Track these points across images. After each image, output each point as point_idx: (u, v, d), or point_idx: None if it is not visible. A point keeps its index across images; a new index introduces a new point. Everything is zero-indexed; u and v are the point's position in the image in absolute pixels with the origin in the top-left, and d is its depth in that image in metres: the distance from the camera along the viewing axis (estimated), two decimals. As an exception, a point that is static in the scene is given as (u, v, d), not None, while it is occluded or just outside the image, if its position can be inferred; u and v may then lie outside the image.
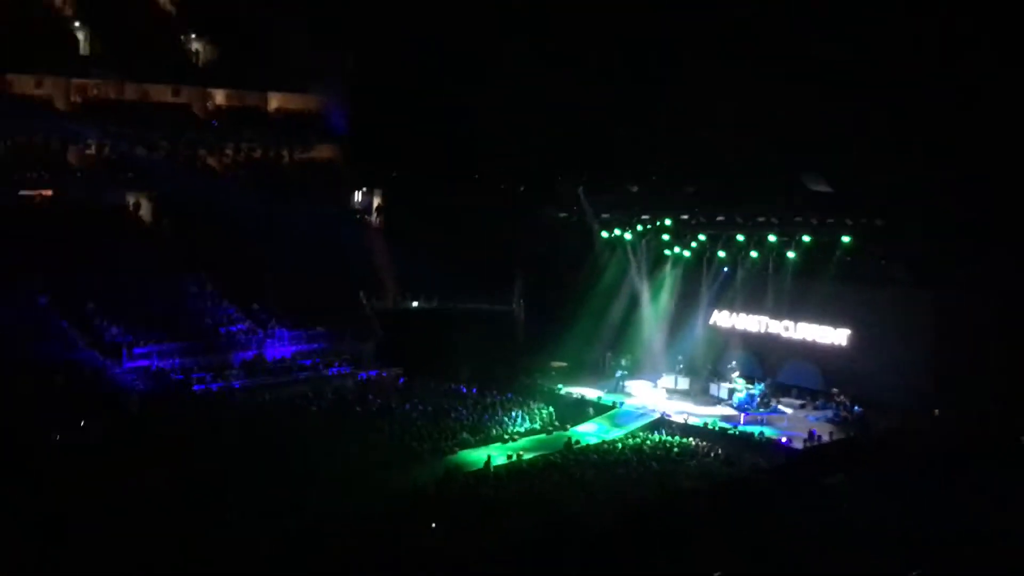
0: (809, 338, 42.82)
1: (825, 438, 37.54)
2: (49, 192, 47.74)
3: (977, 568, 25.43)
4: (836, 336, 41.85)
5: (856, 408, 39.83)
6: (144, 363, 40.51)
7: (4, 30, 46.01)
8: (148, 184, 50.19)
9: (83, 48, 50.18)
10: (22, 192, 46.95)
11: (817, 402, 42.07)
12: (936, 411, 38.17)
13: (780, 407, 41.70)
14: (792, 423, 39.75)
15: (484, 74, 51.86)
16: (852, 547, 26.56)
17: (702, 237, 45.25)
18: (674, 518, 29.03)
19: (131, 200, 50.23)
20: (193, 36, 54.19)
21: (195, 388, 39.97)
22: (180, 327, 43.14)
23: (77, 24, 50.24)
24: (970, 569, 25.36)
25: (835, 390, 41.30)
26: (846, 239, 40.75)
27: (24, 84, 48.11)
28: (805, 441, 36.99)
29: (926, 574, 24.45)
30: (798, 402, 42.40)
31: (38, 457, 31.64)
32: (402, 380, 44.37)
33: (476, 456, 34.99)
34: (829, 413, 40.56)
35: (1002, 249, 36.85)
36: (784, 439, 37.38)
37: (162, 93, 52.92)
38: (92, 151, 49.36)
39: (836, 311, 41.68)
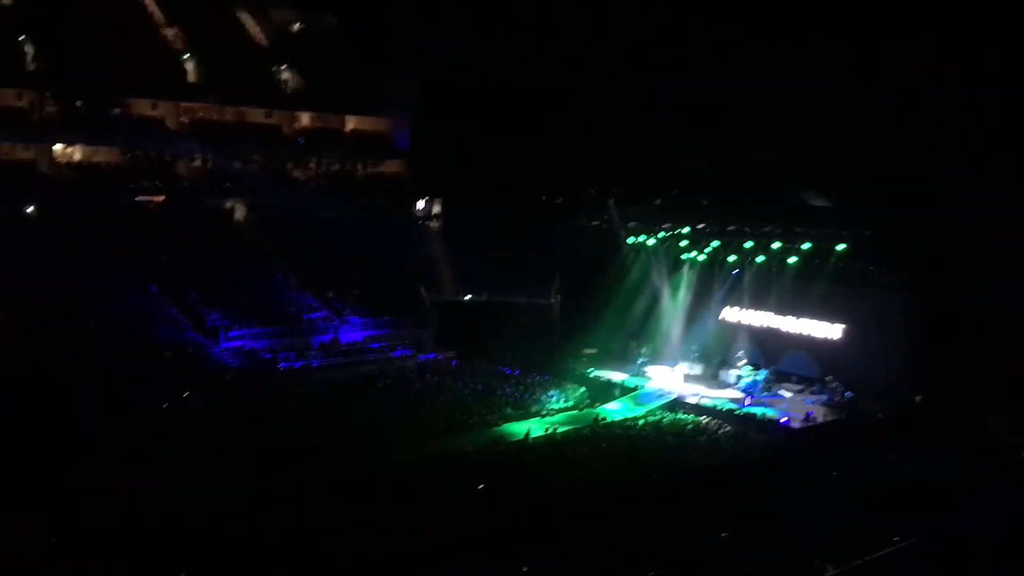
0: (807, 332, 42.47)
1: (820, 419, 37.35)
2: (161, 198, 48.32)
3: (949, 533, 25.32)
4: (831, 330, 41.50)
5: (847, 393, 39.50)
6: (238, 344, 41.09)
7: (126, 61, 46.84)
8: (243, 192, 50.72)
9: (191, 76, 50.87)
10: (139, 198, 47.62)
11: (813, 387, 41.68)
12: (917, 397, 37.88)
13: (781, 391, 41.44)
14: (791, 406, 39.47)
15: (528, 101, 51.97)
16: (840, 515, 26.48)
17: (715, 243, 45.05)
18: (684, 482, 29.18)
19: (229, 205, 50.91)
20: (283, 67, 54.76)
21: (280, 366, 40.42)
22: (268, 314, 43.56)
23: (186, 56, 51.02)
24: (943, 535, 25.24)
25: (829, 377, 40.94)
26: (840, 247, 40.45)
27: (142, 107, 48.90)
28: (802, 421, 36.85)
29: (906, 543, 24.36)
30: (797, 387, 42.03)
31: (151, 421, 32.36)
32: (455, 362, 44.43)
33: (518, 428, 35.16)
34: (824, 397, 40.22)
35: (971, 257, 36.60)
36: (784, 419, 37.22)
37: (256, 115, 53.54)
38: (197, 164, 49.91)
39: (831, 309, 41.31)
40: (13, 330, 36.54)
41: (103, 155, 47.81)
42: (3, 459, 27.18)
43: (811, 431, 36.17)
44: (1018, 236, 34.92)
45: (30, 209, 44.00)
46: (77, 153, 47.44)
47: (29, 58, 45.32)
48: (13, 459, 27.28)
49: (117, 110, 46.99)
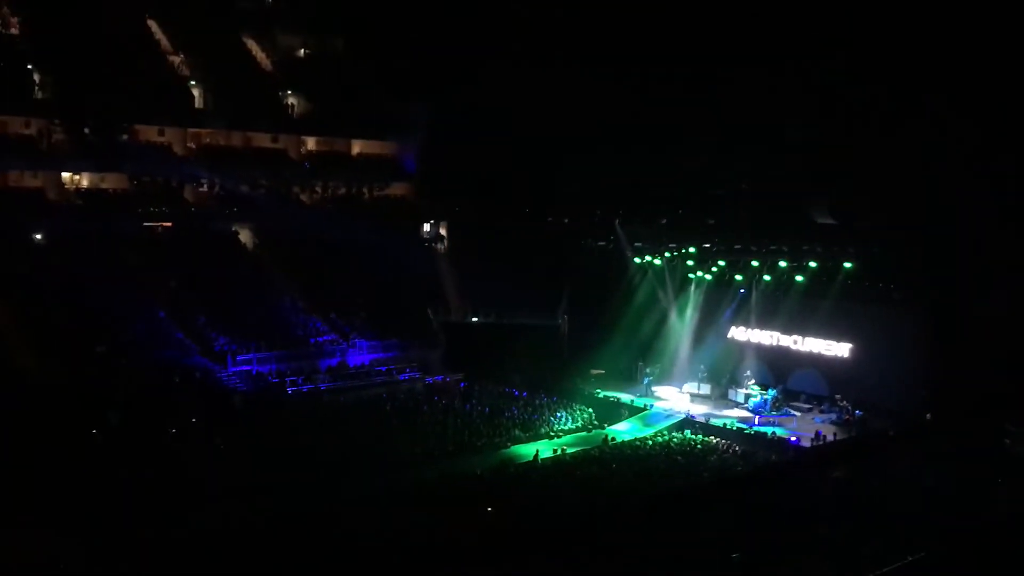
0: (815, 350, 42.40)
1: (830, 438, 37.18)
2: (168, 223, 48.57)
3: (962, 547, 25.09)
4: (839, 349, 41.43)
5: (857, 412, 39.36)
6: (246, 368, 41.09)
7: (133, 88, 47.17)
8: (250, 216, 50.92)
9: (198, 102, 51.26)
10: (146, 223, 47.83)
11: (823, 406, 41.64)
12: (928, 415, 37.67)
13: (790, 410, 41.34)
14: (800, 424, 39.37)
15: (533, 124, 52.11)
16: (853, 529, 26.28)
17: (722, 263, 45.08)
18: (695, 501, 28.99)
19: (236, 230, 51.11)
20: (289, 92, 55.10)
21: (288, 389, 40.45)
22: (276, 337, 43.55)
23: (193, 82, 51.43)
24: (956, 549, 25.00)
25: (838, 396, 40.83)
26: (847, 265, 40.42)
27: (149, 133, 49.16)
28: (812, 440, 36.66)
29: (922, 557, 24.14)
30: (806, 406, 41.93)
31: (158, 445, 32.40)
32: (463, 384, 44.39)
33: (526, 449, 35.10)
34: (833, 416, 40.11)
35: (982, 272, 36.47)
36: (793, 438, 37.06)
37: (263, 140, 53.76)
38: (204, 189, 50.05)
39: (839, 327, 41.26)
40: (24, 355, 36.61)
41: (111, 181, 48.08)
42: (18, 479, 27.26)
43: (821, 449, 35.92)
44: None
45: (38, 236, 44.22)
46: (85, 180, 47.75)
47: (37, 86, 45.70)
48: (27, 479, 27.37)
49: (125, 136, 47.23)
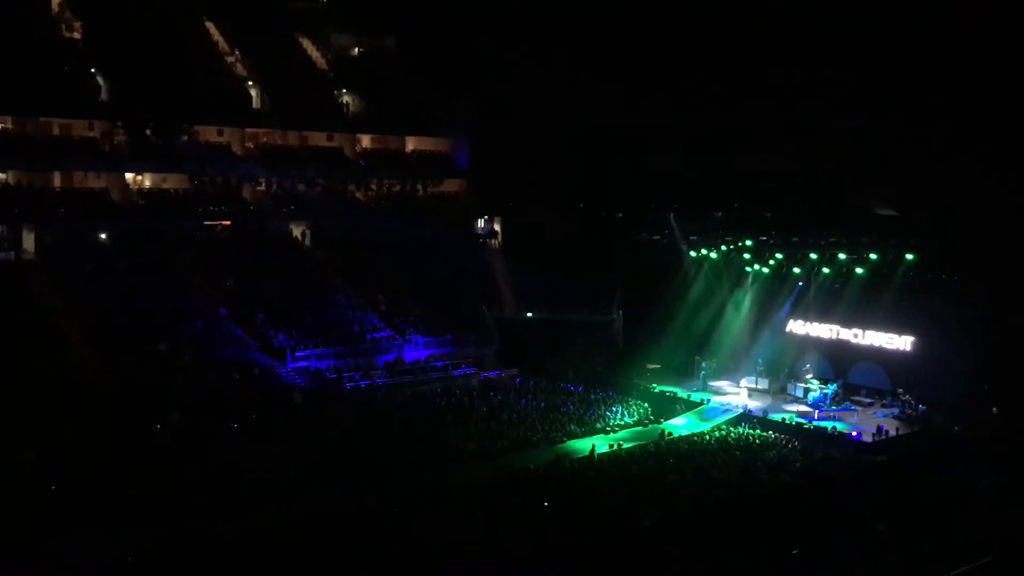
0: (876, 343, 41.56)
1: (892, 432, 36.43)
2: (228, 222, 49.35)
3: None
4: (901, 342, 40.55)
5: (920, 406, 38.55)
6: (304, 364, 41.52)
7: (192, 89, 48.00)
8: (307, 214, 51.48)
9: (255, 103, 51.95)
10: (206, 222, 48.68)
11: (884, 400, 40.86)
12: (994, 409, 36.71)
13: (851, 405, 40.60)
14: (861, 419, 38.68)
15: (586, 120, 51.95)
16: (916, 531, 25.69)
17: (779, 255, 44.44)
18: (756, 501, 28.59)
19: (293, 228, 51.70)
20: (344, 92, 55.56)
21: (346, 385, 40.85)
22: (333, 334, 43.93)
23: (250, 83, 52.13)
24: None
25: (900, 390, 40.05)
26: (909, 256, 39.54)
27: (208, 133, 50.06)
28: (873, 435, 35.95)
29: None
30: (867, 400, 41.19)
31: (218, 442, 32.96)
32: (518, 379, 44.36)
33: (582, 445, 34.99)
34: (895, 411, 39.34)
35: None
36: (855, 433, 36.40)
37: (318, 139, 54.45)
38: (262, 188, 50.78)
39: (900, 320, 40.39)
40: (90, 354, 37.47)
41: (172, 181, 49.00)
42: (83, 478, 27.90)
43: (884, 445, 35.23)
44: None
45: (103, 236, 45.21)
46: (147, 180, 48.68)
47: (100, 89, 46.69)
48: (92, 478, 28.02)
49: (185, 137, 48.10)
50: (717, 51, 50.92)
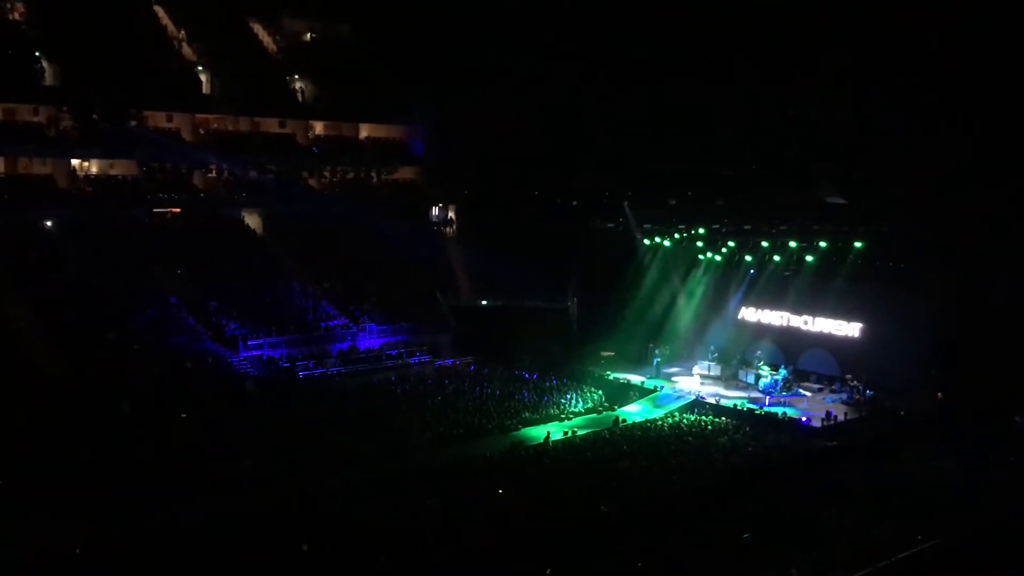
0: (825, 330, 42.22)
1: (841, 417, 37.06)
2: (178, 209, 48.67)
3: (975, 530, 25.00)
4: (849, 329, 41.23)
5: (868, 392, 39.25)
6: (257, 353, 41.18)
7: (141, 74, 47.13)
8: (259, 202, 51.00)
9: (205, 88, 51.27)
10: (156, 209, 47.92)
11: (833, 386, 41.51)
12: (939, 394, 37.52)
13: (800, 391, 41.23)
14: (811, 405, 39.29)
15: (542, 107, 51.97)
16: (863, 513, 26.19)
17: (731, 244, 44.90)
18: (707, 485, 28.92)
19: (246, 216, 51.09)
20: (296, 77, 54.99)
21: (300, 374, 40.58)
22: (286, 322, 43.61)
23: (200, 68, 51.34)
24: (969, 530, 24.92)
25: (849, 376, 40.74)
26: (858, 244, 40.18)
27: (157, 119, 49.32)
28: (823, 420, 36.54)
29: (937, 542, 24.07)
30: (816, 386, 41.83)
31: (170, 431, 32.55)
32: (473, 367, 44.40)
33: (537, 432, 35.08)
34: (844, 396, 39.99)
35: (992, 252, 36.23)
36: (804, 419, 36.97)
37: (270, 125, 53.90)
38: (213, 175, 50.23)
39: (849, 307, 41.05)
40: (39, 344, 36.73)
41: (120, 168, 48.18)
42: (34, 469, 27.47)
43: (833, 430, 35.84)
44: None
45: (48, 223, 44.28)
46: (94, 167, 47.76)
47: (45, 73, 45.64)
48: (42, 468, 27.59)
49: (133, 123, 47.28)
50: (676, 39, 51.10)
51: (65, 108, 45.34)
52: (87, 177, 47.32)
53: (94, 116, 45.84)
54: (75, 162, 46.88)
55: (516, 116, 51.35)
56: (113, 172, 48.11)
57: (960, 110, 41.18)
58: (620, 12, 52.68)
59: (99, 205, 45.56)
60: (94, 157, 47.37)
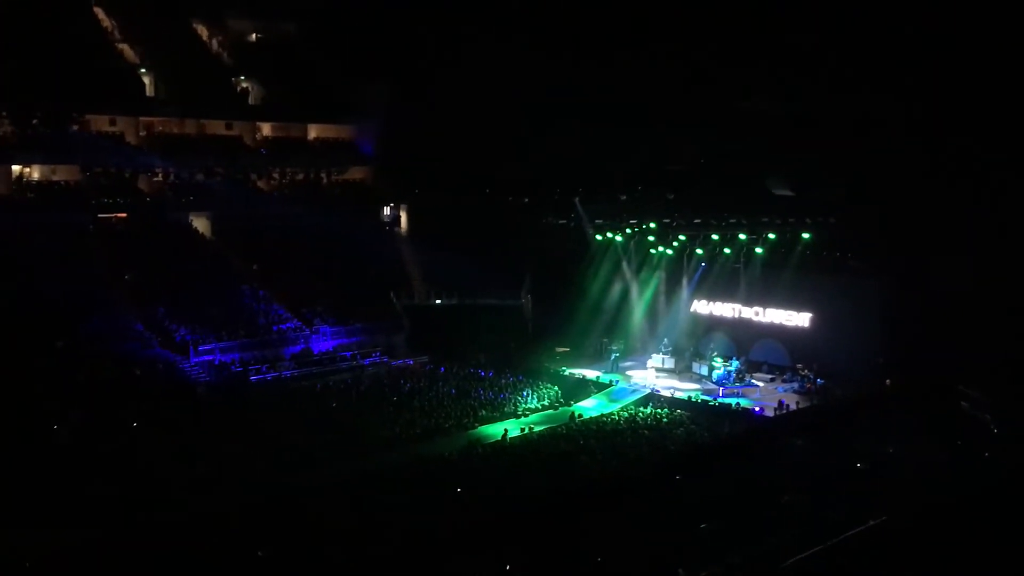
0: (776, 321, 42.88)
1: (792, 406, 37.69)
2: (124, 214, 47.85)
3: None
4: (799, 319, 41.93)
5: (819, 380, 39.94)
6: (208, 358, 40.71)
7: (82, 77, 46.23)
8: (207, 205, 50.34)
9: (149, 90, 50.54)
10: (101, 215, 47.02)
11: (785, 375, 42.17)
12: (888, 381, 38.33)
13: (753, 381, 41.82)
14: (764, 395, 39.87)
15: (493, 104, 52.02)
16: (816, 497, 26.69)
17: (682, 237, 45.38)
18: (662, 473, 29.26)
19: (193, 219, 50.39)
20: (242, 78, 54.41)
21: (252, 378, 40.17)
22: (237, 326, 43.18)
23: (143, 70, 50.58)
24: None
25: (800, 365, 41.41)
26: (805, 235, 40.85)
27: (100, 123, 48.46)
28: (775, 409, 37.12)
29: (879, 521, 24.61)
30: (768, 376, 42.43)
31: (121, 439, 32.05)
32: (429, 366, 44.23)
33: (494, 429, 35.11)
34: (795, 385, 40.64)
35: (935, 244, 37.14)
36: (757, 408, 37.52)
37: (217, 127, 53.21)
38: (159, 178, 49.46)
39: (798, 298, 41.75)
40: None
41: (62, 173, 47.25)
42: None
43: (786, 418, 36.42)
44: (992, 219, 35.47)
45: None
46: (36, 172, 46.81)
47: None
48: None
49: (75, 127, 46.41)
50: (625, 32, 51.50)
51: (4, 113, 44.34)
52: (28, 183, 46.32)
53: (34, 121, 44.93)
54: (15, 168, 45.88)
55: (467, 113, 51.33)
56: (56, 178, 47.15)
57: (901, 100, 42.04)
58: (573, 7, 52.97)
59: (42, 211, 44.57)
60: (35, 163, 46.40)
